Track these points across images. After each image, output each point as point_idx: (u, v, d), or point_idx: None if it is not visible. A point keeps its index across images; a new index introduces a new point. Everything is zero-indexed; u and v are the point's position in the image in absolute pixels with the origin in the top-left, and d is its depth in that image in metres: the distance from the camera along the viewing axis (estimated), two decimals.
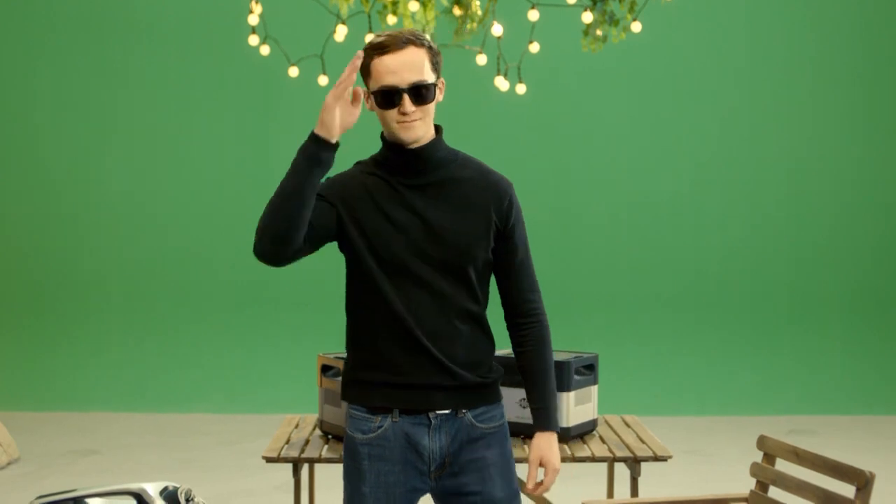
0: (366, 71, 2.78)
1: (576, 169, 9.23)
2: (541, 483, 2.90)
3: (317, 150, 2.75)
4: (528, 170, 9.01)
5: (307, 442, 4.19)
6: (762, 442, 3.83)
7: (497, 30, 5.75)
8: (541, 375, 2.95)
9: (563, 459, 4.00)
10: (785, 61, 9.20)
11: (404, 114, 2.73)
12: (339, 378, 4.12)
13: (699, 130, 9.12)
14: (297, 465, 3.96)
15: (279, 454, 3.98)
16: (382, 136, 2.86)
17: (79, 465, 6.87)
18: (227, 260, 9.08)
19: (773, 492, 3.74)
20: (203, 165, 9.18)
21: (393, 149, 2.82)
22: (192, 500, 3.68)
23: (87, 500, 3.67)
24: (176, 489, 3.67)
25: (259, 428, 7.82)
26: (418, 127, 2.76)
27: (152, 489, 3.63)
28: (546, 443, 2.89)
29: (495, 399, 2.89)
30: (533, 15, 5.84)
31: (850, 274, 9.20)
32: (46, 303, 9.10)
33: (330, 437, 4.26)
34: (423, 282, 2.78)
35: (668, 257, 9.19)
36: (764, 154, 9.20)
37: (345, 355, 4.28)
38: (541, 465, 2.90)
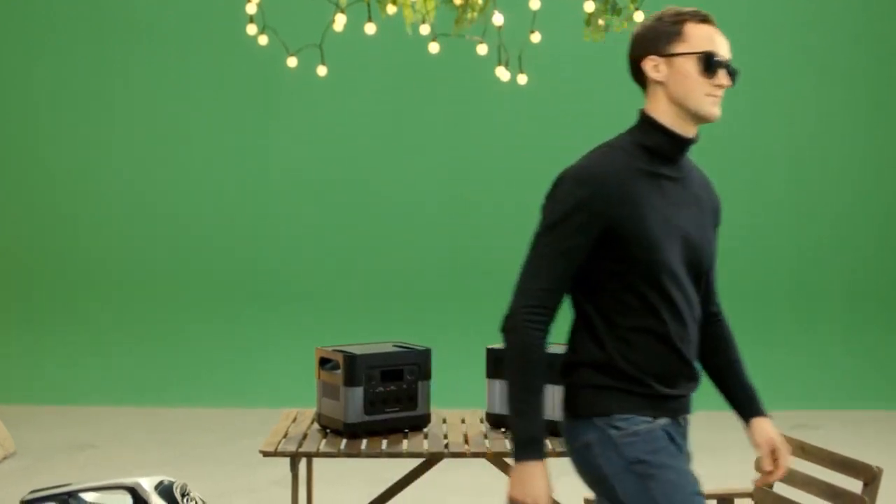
0: (673, 34, 2.60)
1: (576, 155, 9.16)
2: (776, 468, 2.83)
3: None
4: (529, 160, 8.94)
5: (305, 436, 4.13)
6: None
7: (498, 19, 5.68)
8: (741, 365, 2.92)
9: (566, 454, 3.93)
10: (788, 52, 9.13)
11: (719, 86, 2.61)
12: (338, 371, 4.06)
13: (704, 128, 9.03)
14: (294, 459, 3.89)
15: (276, 448, 3.91)
16: (650, 120, 2.65)
17: (76, 460, 6.80)
18: (225, 254, 9.03)
19: (779, 487, 3.67)
20: (201, 158, 9.12)
21: (668, 135, 2.63)
22: (188, 494, 3.62)
23: (81, 494, 3.60)
24: (171, 484, 3.61)
25: (258, 422, 7.76)
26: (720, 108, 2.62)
27: (147, 484, 3.57)
28: (771, 426, 2.86)
29: None
30: (534, 4, 5.76)
31: (852, 267, 9.13)
32: (44, 296, 9.04)
33: (328, 431, 4.19)
34: (682, 287, 2.61)
35: None
36: (765, 148, 9.13)
37: (344, 348, 4.24)
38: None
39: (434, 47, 5.91)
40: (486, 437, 4.15)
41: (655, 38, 2.62)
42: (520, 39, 6.17)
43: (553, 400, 4.09)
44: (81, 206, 9.07)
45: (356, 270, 8.99)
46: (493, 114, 9.02)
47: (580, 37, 6.68)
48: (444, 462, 4.30)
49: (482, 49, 5.93)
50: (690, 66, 2.58)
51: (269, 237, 9.14)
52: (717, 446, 7.21)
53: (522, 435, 2.59)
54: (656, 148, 2.64)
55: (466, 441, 4.08)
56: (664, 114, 2.63)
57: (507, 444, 4.02)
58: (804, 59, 9.11)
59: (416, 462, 4.18)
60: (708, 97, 2.60)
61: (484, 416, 4.35)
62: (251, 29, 5.96)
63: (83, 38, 8.98)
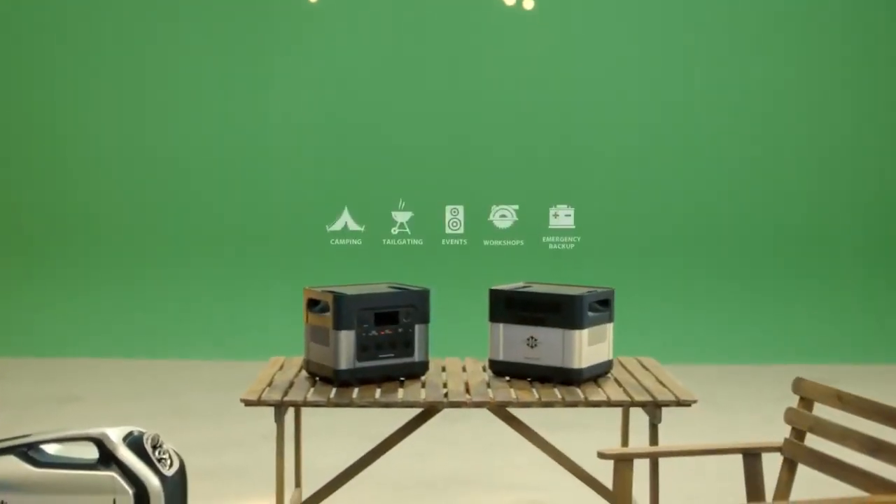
0: None
1: (584, 90, 8.76)
2: None
3: None
4: (535, 89, 8.54)
5: (291, 384, 3.79)
6: (798, 385, 3.43)
7: None
8: None
9: (576, 404, 3.60)
10: None
11: None
12: (328, 313, 3.72)
13: (716, 60, 8.66)
14: (279, 409, 3.56)
15: (259, 397, 3.57)
16: None
17: (59, 413, 6.51)
18: (210, 202, 8.68)
19: (812, 440, 3.33)
20: (191, 99, 8.75)
21: None
22: (160, 446, 3.29)
23: (43, 446, 3.27)
24: (142, 435, 3.28)
25: (249, 375, 7.41)
26: None
27: (115, 435, 3.24)
28: None
29: None
30: None
31: (866, 220, 8.80)
32: (25, 245, 8.72)
33: (317, 379, 3.85)
34: None
35: (676, 200, 8.79)
36: (779, 98, 8.75)
37: (334, 288, 3.89)
38: None
39: None
40: (488, 385, 3.82)
41: None
42: None
43: (563, 347, 3.75)
44: (64, 151, 8.71)
45: (354, 211, 8.61)
46: (498, 39, 8.62)
47: None
48: (444, 413, 3.97)
49: None
50: None
51: (259, 181, 8.77)
52: (726, 400, 6.90)
53: None
54: None
55: (467, 390, 3.75)
56: None
57: (512, 393, 3.69)
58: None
59: (413, 413, 3.85)
60: None
61: (486, 364, 4.02)
62: None
63: None
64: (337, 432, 6.01)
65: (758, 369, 7.98)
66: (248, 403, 3.57)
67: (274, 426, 3.59)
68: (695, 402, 3.62)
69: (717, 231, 8.79)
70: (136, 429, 3.31)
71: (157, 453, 3.25)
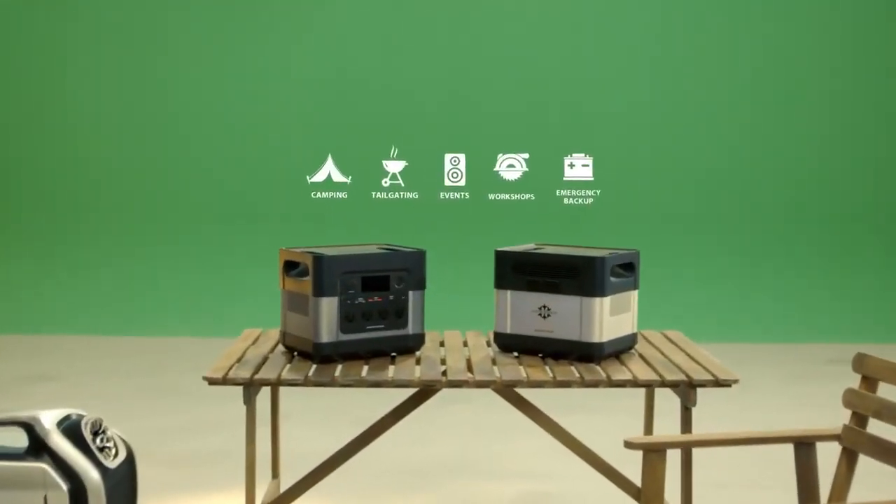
0: None
1: (604, 17, 8.20)
2: None
3: None
4: (547, 16, 7.97)
5: (265, 360, 3.27)
6: (861, 362, 2.90)
7: None
8: None
9: (597, 384, 3.07)
10: None
11: None
12: (307, 277, 3.19)
13: (738, 32, 8.13)
14: (249, 388, 3.03)
15: (225, 375, 3.05)
16: None
17: (30, 392, 6.04)
18: (184, 176, 8.18)
19: (875, 426, 2.81)
20: (180, 66, 8.22)
21: None
22: (102, 432, 2.76)
23: None
24: (80, 420, 2.75)
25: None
26: None
27: (49, 420, 2.71)
28: None
29: None
30: None
31: (886, 202, 8.29)
32: (4, 221, 8.22)
33: (295, 353, 3.33)
34: None
35: (694, 174, 8.27)
36: (807, 71, 8.24)
37: (315, 249, 3.37)
38: None
39: None
40: (493, 362, 3.30)
41: None
42: None
43: (581, 318, 3.22)
44: (36, 123, 8.20)
45: (339, 159, 8.03)
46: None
47: None
48: (441, 393, 3.45)
49: None
50: None
51: (230, 125, 8.22)
52: (749, 381, 6.38)
53: None
54: None
55: (469, 368, 3.23)
56: None
57: (522, 372, 3.16)
58: None
59: (407, 393, 3.33)
60: None
61: (491, 338, 3.50)
62: None
63: None
64: (320, 414, 5.50)
65: (775, 348, 7.48)
66: (212, 382, 3.04)
67: (259, 405, 3.07)
68: (736, 381, 3.11)
69: (746, 199, 8.25)
70: (74, 411, 2.79)
71: (98, 441, 2.72)
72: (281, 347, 3.44)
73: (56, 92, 8.27)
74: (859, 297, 8.14)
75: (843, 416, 2.89)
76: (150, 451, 4.81)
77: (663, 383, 3.08)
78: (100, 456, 2.68)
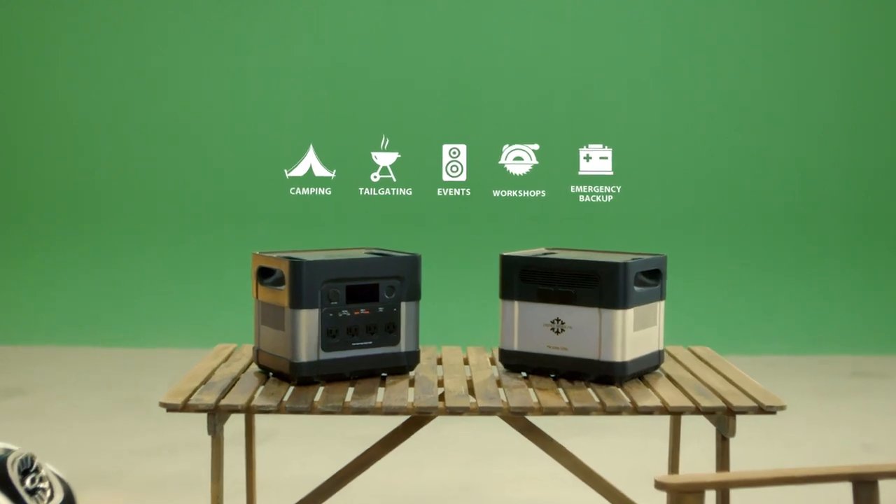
0: None
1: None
2: None
3: None
4: (552, 30, 7.53)
5: (235, 381, 2.84)
6: None
7: None
8: None
9: (620, 411, 2.64)
10: None
11: None
12: (284, 287, 2.76)
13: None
14: (213, 416, 2.60)
15: (185, 401, 2.61)
16: None
17: None
18: (159, 181, 7.73)
19: None
20: (166, 61, 7.79)
21: None
22: (35, 471, 2.31)
23: None
24: (6, 456, 2.30)
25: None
26: None
27: None
28: None
29: None
30: None
31: None
32: None
33: (270, 374, 2.90)
34: None
35: (711, 176, 7.81)
36: (811, 71, 7.84)
37: (293, 253, 2.94)
38: None
39: None
40: (499, 384, 2.87)
41: None
42: None
43: (600, 333, 2.80)
44: (8, 127, 7.77)
45: (322, 151, 7.54)
46: None
47: None
48: (439, 421, 3.02)
49: None
50: None
51: (203, 112, 7.74)
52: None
53: None
54: None
55: (471, 390, 2.80)
56: None
57: (532, 396, 2.73)
58: None
59: (399, 421, 2.90)
60: None
61: (496, 355, 3.07)
62: None
63: None
64: (308, 432, 5.04)
65: (792, 360, 7.06)
66: (170, 409, 2.61)
67: (238, 425, 2.64)
68: (782, 407, 2.68)
69: (767, 202, 7.79)
70: (4, 445, 2.34)
71: (28, 482, 2.28)
72: (255, 367, 3.01)
73: (12, 93, 7.87)
74: (881, 307, 7.72)
75: (881, 435, 2.46)
76: (119, 474, 4.37)
77: (698, 410, 2.65)
78: (29, 500, 2.24)
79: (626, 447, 4.81)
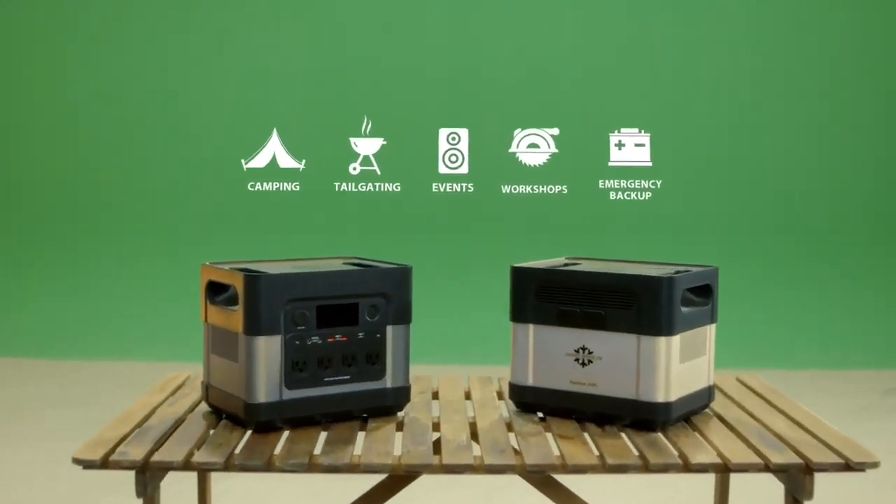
0: None
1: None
2: None
3: None
4: (541, 28, 6.87)
5: (177, 425, 2.26)
6: None
7: None
8: None
9: (667, 469, 2.06)
10: None
11: None
12: (237, 307, 2.19)
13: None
14: (142, 475, 2.02)
15: (107, 455, 2.04)
16: None
17: None
18: (114, 181, 7.14)
19: None
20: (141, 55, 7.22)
21: None
22: None
23: None
24: None
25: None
26: None
27: None
28: None
29: None
30: None
31: None
32: None
33: (222, 416, 2.32)
34: None
35: (736, 175, 7.26)
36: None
37: (250, 265, 2.37)
38: None
39: None
40: (510, 428, 2.30)
41: None
42: None
43: (638, 366, 2.23)
44: None
45: (288, 137, 6.93)
46: None
47: None
48: (435, 479, 2.44)
49: None
50: None
51: (143, 94, 7.13)
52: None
53: None
54: None
55: (474, 437, 2.23)
56: None
57: (553, 447, 2.16)
58: None
59: (380, 478, 2.33)
60: None
61: (506, 390, 2.50)
62: None
63: None
64: (266, 495, 4.40)
65: (820, 374, 6.57)
66: (86, 466, 2.02)
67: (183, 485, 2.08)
68: (875, 465, 2.09)
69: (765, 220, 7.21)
70: None
71: None
72: (203, 406, 2.44)
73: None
74: None
75: None
76: None
77: (767, 467, 2.07)
78: None
79: (662, 493, 4.23)
